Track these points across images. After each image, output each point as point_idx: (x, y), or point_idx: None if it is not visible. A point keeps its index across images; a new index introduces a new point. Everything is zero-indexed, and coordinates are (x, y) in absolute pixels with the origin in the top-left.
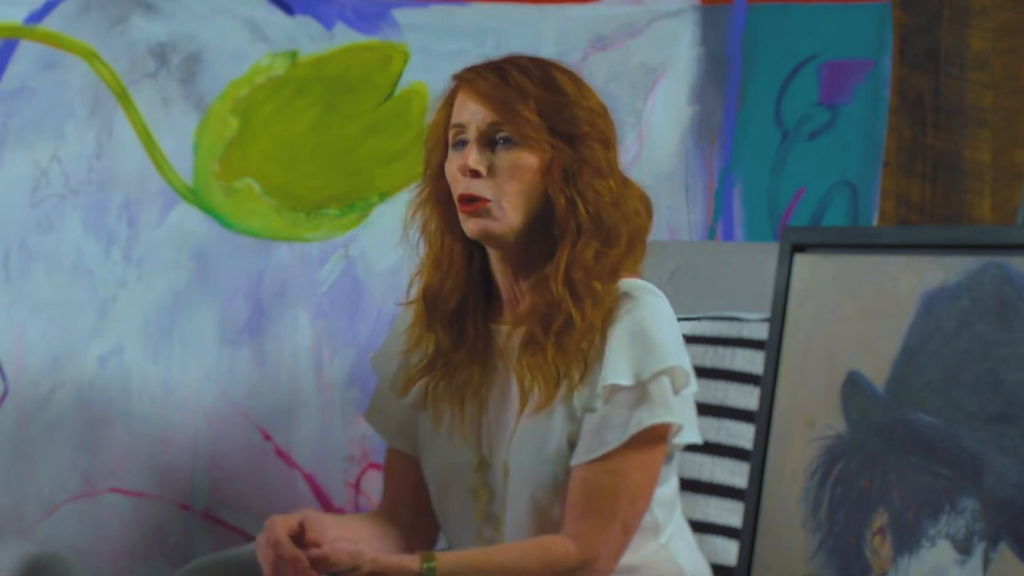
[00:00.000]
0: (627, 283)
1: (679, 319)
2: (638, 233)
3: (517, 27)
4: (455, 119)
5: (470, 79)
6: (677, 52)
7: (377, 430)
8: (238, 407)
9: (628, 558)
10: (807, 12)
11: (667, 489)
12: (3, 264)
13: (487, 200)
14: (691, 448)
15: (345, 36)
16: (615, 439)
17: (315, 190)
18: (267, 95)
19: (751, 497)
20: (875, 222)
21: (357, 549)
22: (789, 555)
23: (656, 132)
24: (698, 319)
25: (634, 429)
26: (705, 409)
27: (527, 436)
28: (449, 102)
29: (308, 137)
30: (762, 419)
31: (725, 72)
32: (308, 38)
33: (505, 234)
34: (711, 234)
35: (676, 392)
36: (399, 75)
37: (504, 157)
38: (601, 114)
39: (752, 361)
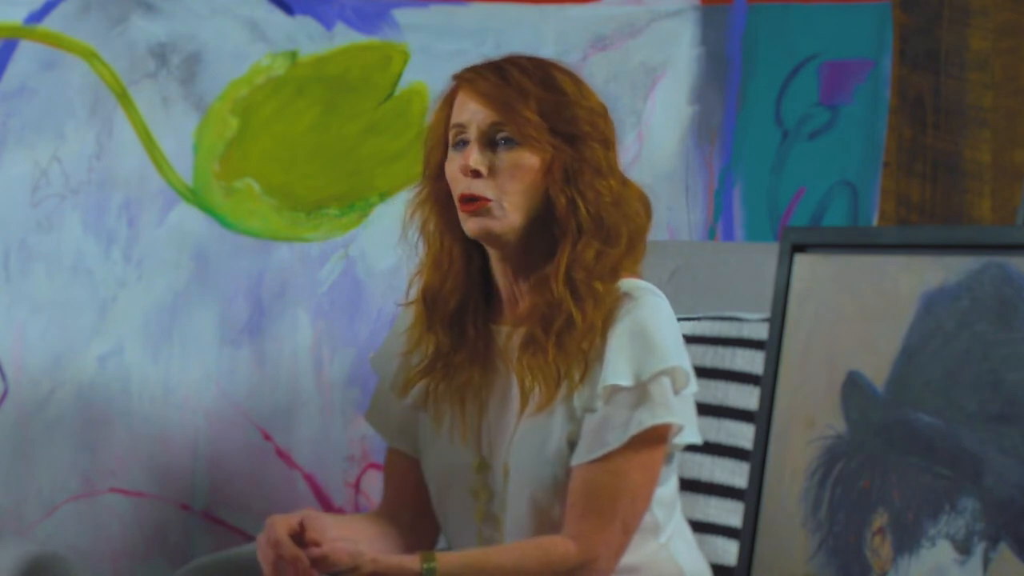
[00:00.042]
0: (627, 283)
1: (679, 319)
2: (638, 233)
3: (517, 27)
4: (455, 119)
5: (470, 79)
6: (677, 52)
7: (377, 430)
8: (238, 407)
9: (628, 558)
10: (807, 12)
11: (667, 489)
12: (3, 264)
13: (488, 200)
14: (691, 448)
15: (345, 36)
16: (615, 439)
17: (315, 190)
18: (267, 95)
19: (751, 497)
20: (875, 222)
21: (357, 549)
22: (789, 555)
23: (656, 132)
24: (698, 319)
25: (635, 430)
26: (705, 409)
27: (527, 436)
28: (449, 102)
29: (308, 137)
30: (762, 419)
31: (725, 72)
32: (308, 38)
33: (506, 234)
34: (711, 234)
35: (676, 392)
36: (399, 75)
37: (505, 157)
38: (601, 114)
39: (752, 361)
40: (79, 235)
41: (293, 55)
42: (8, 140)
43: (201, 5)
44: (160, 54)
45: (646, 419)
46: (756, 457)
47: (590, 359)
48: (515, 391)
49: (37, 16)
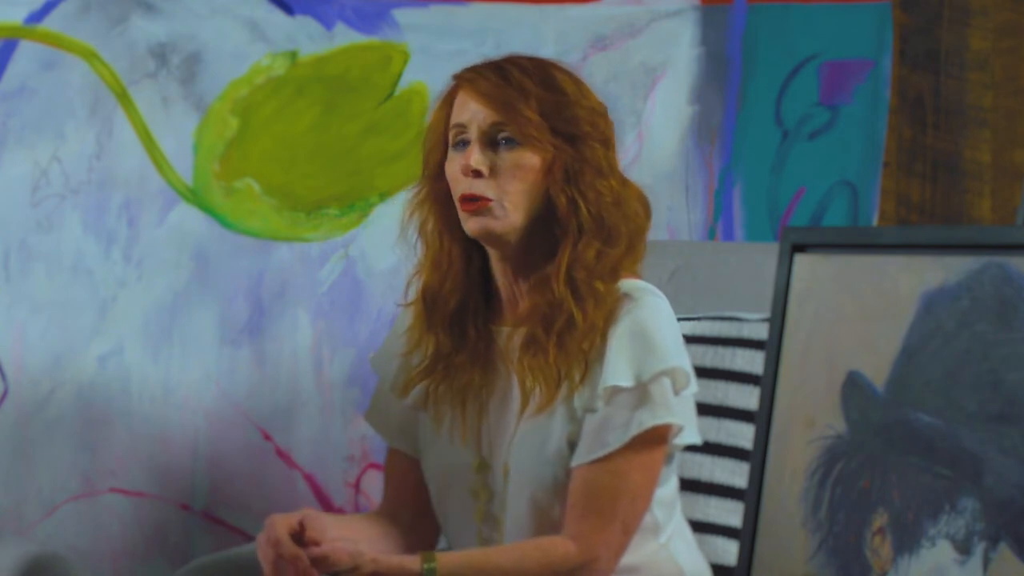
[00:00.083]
0: (627, 284)
1: (679, 319)
2: (638, 233)
3: (517, 27)
4: (456, 119)
5: (471, 79)
6: (677, 52)
7: (377, 430)
8: (238, 407)
9: (628, 558)
10: (807, 12)
11: (667, 489)
12: (3, 264)
13: (489, 200)
14: (691, 448)
15: (345, 36)
16: (616, 440)
17: (315, 190)
18: (267, 95)
19: (751, 497)
20: (875, 222)
21: (357, 549)
22: (789, 555)
23: (656, 132)
24: (698, 319)
25: (635, 430)
26: (705, 409)
27: (527, 437)
28: (448, 102)
29: (308, 137)
30: (762, 419)
31: (725, 72)
32: (308, 38)
33: (507, 233)
34: (711, 234)
35: (677, 393)
36: (399, 75)
37: (506, 157)
38: (601, 114)
39: (752, 361)
40: (79, 235)
41: (293, 55)
42: (8, 140)
43: (201, 5)
44: (160, 54)
45: (646, 420)
46: (756, 457)
47: (590, 359)
48: (515, 391)
49: (37, 16)
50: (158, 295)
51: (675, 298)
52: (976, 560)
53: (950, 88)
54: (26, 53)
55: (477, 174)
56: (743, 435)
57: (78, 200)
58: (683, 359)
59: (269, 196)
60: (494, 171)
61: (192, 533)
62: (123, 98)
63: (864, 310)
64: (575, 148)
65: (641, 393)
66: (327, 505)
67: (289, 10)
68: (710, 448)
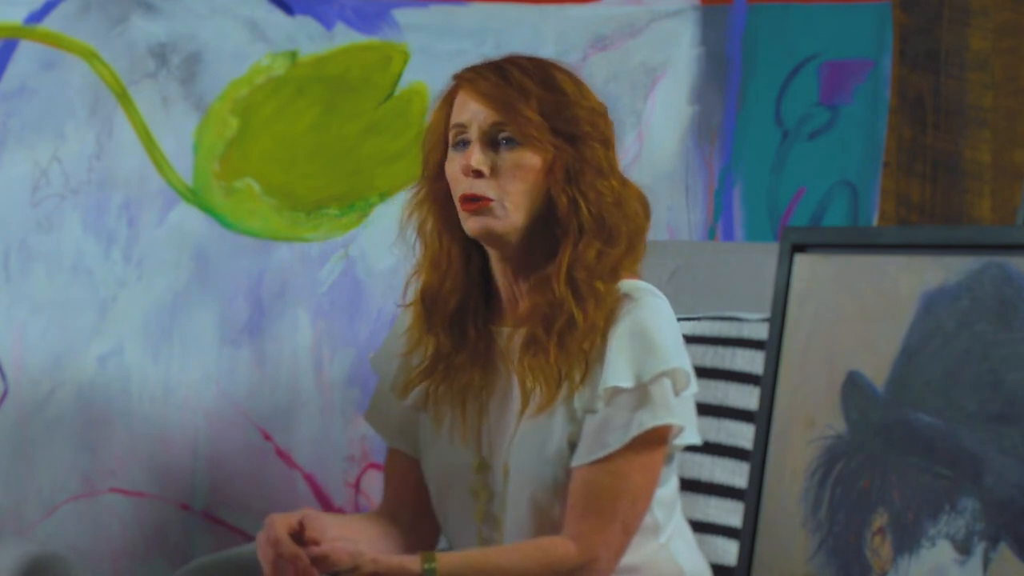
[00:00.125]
0: (628, 284)
1: (679, 319)
2: (637, 233)
3: (517, 27)
4: (456, 119)
5: (471, 79)
6: (677, 52)
7: (377, 430)
8: (238, 407)
9: (628, 558)
10: (807, 12)
11: (667, 489)
12: (3, 264)
13: (490, 200)
14: (691, 448)
15: (345, 36)
16: (616, 441)
17: (315, 190)
18: (267, 95)
19: (751, 497)
20: (875, 222)
21: (357, 549)
22: (789, 555)
23: (656, 132)
24: (698, 319)
25: (635, 431)
26: (705, 409)
27: (528, 437)
28: (448, 102)
29: (308, 137)
30: (762, 419)
31: (725, 72)
32: (308, 38)
33: (507, 233)
34: (711, 234)
35: (677, 393)
36: (399, 75)
37: (507, 157)
38: (601, 114)
39: (752, 361)
40: (79, 235)
41: (293, 55)
42: (8, 140)
43: (201, 5)
44: (160, 54)
45: (647, 420)
46: (756, 457)
47: (591, 360)
48: (516, 392)
49: (37, 16)
50: (158, 295)
51: (675, 298)
52: (976, 560)
53: (950, 88)
54: (26, 53)
55: (478, 174)
56: (743, 435)
57: (78, 200)
58: (683, 359)
59: (269, 196)
60: (495, 171)
61: (192, 533)
62: (123, 98)
63: (864, 310)
64: (575, 148)
65: (641, 394)
66: (327, 505)
67: (289, 10)
68: (710, 448)
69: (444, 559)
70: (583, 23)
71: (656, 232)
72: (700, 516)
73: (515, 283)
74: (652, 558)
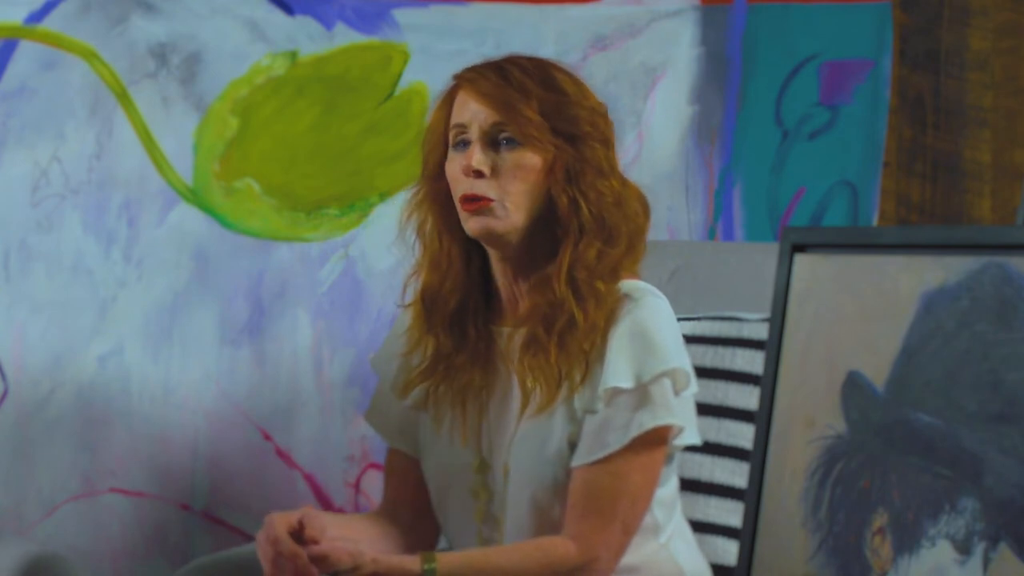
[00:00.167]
0: (628, 284)
1: (679, 319)
2: (637, 233)
3: (517, 27)
4: (456, 119)
5: (471, 79)
6: (677, 52)
7: (377, 430)
8: (238, 407)
9: (628, 558)
10: (807, 12)
11: (667, 490)
12: (3, 264)
13: (491, 200)
14: (691, 448)
15: (345, 36)
16: (616, 441)
17: (315, 190)
18: (267, 95)
19: (751, 497)
20: (875, 222)
21: (358, 549)
22: (789, 555)
23: (656, 132)
24: (698, 319)
25: (635, 431)
26: (705, 409)
27: (528, 437)
28: (448, 102)
29: (308, 137)
30: (762, 419)
31: (725, 72)
32: (308, 38)
33: (508, 233)
34: (711, 234)
35: (677, 394)
36: (399, 75)
37: (508, 157)
38: (601, 114)
39: (752, 361)
40: (79, 235)
41: (293, 55)
42: (8, 140)
43: (201, 5)
44: (160, 54)
45: (647, 421)
46: (756, 457)
47: (591, 360)
48: (516, 392)
49: (37, 16)
50: (158, 295)
51: (675, 298)
52: (976, 560)
53: (950, 88)
54: (26, 53)
55: (479, 174)
56: (743, 435)
57: (78, 200)
58: (683, 360)
59: (269, 196)
60: (495, 171)
61: (192, 533)
62: (123, 98)
63: (864, 310)
64: (576, 148)
65: (641, 394)
66: (327, 505)
67: (289, 10)
68: (710, 448)
69: (444, 559)
70: (583, 23)
71: (656, 232)
72: (700, 516)
73: (515, 283)
74: (652, 558)
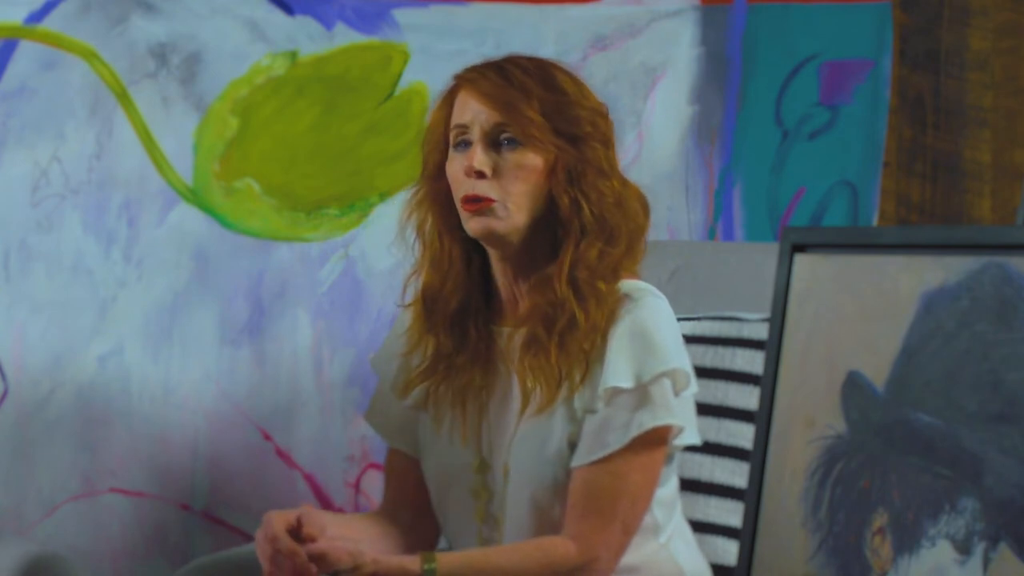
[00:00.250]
0: (628, 284)
1: (679, 319)
2: (637, 233)
3: (517, 27)
4: (457, 119)
5: (472, 79)
6: (677, 52)
7: (377, 430)
8: (238, 407)
9: (628, 558)
10: (807, 12)
11: (667, 490)
12: (3, 264)
13: (492, 200)
14: (691, 448)
15: (345, 36)
16: (616, 441)
17: (315, 190)
18: (267, 95)
19: (751, 497)
20: (875, 222)
21: (358, 549)
22: (789, 555)
23: (656, 132)
24: (698, 319)
25: (635, 431)
26: (705, 409)
27: (528, 437)
28: (449, 102)
29: (308, 137)
30: (762, 419)
31: (725, 72)
32: (308, 38)
33: (509, 234)
34: (711, 234)
35: (677, 394)
36: (399, 75)
37: (509, 158)
38: (602, 114)
39: (752, 361)
40: (79, 235)
41: (293, 55)
42: (8, 140)
43: (201, 5)
44: (160, 54)
45: (647, 421)
46: (756, 457)
47: (591, 360)
48: (516, 392)
49: (37, 16)
50: (158, 295)
51: (675, 298)
52: (976, 560)
53: (950, 88)
54: (26, 53)
55: (480, 175)
56: (743, 435)
57: (78, 200)
58: (683, 360)
59: (269, 196)
60: (497, 172)
61: (192, 533)
62: (123, 98)
63: (864, 310)
64: (577, 148)
65: (641, 394)
66: (327, 505)
67: (289, 10)
68: (710, 448)
69: (444, 559)
70: (583, 23)
71: (656, 232)
72: (700, 516)
73: (515, 283)
74: (652, 558)
